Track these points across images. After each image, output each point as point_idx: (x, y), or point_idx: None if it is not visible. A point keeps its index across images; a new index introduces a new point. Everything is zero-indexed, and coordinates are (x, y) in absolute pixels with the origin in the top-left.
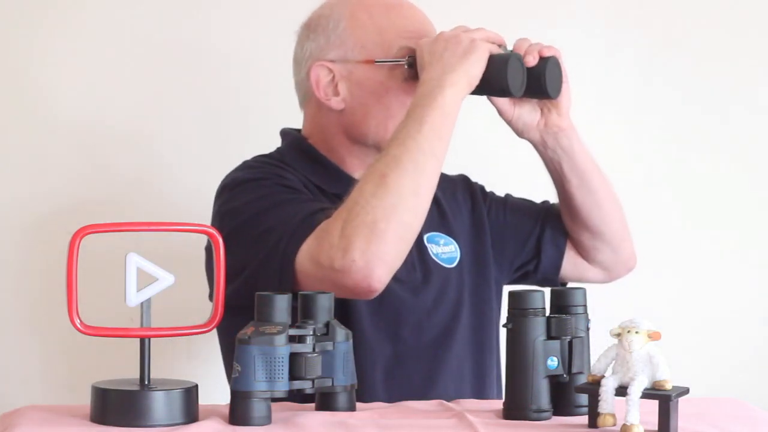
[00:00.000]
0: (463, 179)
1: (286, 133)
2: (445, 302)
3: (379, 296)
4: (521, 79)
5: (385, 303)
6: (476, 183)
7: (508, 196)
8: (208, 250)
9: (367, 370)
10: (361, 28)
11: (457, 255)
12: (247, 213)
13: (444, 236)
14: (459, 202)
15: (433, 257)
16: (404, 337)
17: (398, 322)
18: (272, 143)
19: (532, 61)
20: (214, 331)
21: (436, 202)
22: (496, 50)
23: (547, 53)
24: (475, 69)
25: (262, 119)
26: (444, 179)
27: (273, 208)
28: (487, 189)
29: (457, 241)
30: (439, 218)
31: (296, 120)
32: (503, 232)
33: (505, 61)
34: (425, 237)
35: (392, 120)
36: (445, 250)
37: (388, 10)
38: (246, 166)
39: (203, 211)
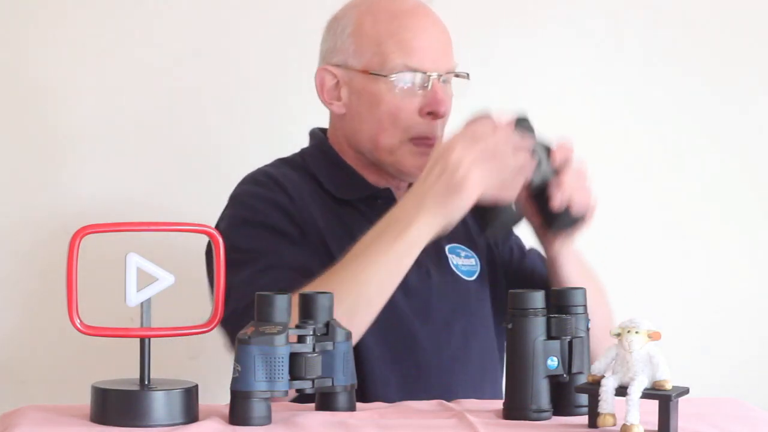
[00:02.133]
0: None
1: (312, 134)
2: (464, 314)
3: (390, 326)
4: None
5: (396, 332)
6: None
7: (532, 250)
8: (209, 253)
9: (381, 388)
10: (362, 36)
11: (477, 269)
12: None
13: (465, 249)
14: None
15: (453, 268)
16: (419, 357)
17: (412, 347)
18: (273, 145)
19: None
20: (215, 331)
21: None
22: (499, 174)
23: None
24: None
25: (262, 121)
26: None
27: (243, 265)
28: None
29: (477, 255)
30: (462, 230)
31: (298, 121)
32: (513, 278)
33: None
34: (447, 247)
35: (383, 134)
36: (466, 262)
37: (393, 19)
38: (254, 180)
39: (203, 212)
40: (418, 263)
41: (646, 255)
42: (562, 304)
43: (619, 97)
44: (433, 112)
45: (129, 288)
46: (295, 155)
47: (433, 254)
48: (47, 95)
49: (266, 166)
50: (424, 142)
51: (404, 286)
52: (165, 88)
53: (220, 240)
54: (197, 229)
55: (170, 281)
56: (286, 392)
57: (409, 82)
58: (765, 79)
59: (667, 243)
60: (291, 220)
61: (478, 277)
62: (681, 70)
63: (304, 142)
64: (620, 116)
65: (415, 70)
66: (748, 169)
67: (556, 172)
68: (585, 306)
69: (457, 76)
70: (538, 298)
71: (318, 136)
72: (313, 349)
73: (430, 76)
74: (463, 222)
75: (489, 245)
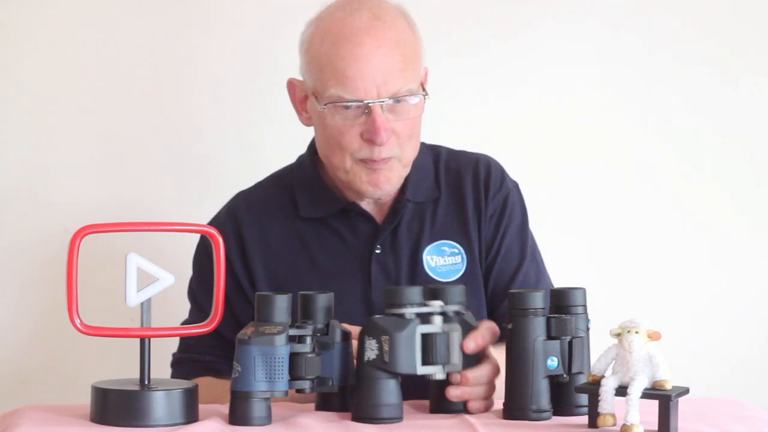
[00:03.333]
0: (486, 171)
1: (310, 144)
2: None
3: None
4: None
5: None
6: (508, 199)
7: (502, 256)
8: (197, 254)
9: None
10: (310, 57)
11: (463, 267)
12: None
13: (453, 245)
14: (464, 189)
15: (428, 272)
16: None
17: None
18: (270, 147)
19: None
20: None
21: (448, 200)
22: None
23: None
24: None
25: (261, 122)
26: (453, 157)
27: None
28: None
29: (466, 251)
30: (456, 222)
31: (292, 123)
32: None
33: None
34: (427, 248)
35: (333, 155)
36: (449, 261)
37: (334, 44)
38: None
39: (203, 211)
40: (387, 274)
41: (647, 255)
42: (562, 304)
43: (619, 96)
44: (370, 140)
45: (129, 288)
46: (291, 166)
47: (407, 259)
48: (47, 96)
49: (245, 191)
50: (371, 164)
51: (367, 302)
52: (163, 90)
53: (220, 240)
54: (197, 229)
55: (170, 281)
56: (286, 392)
57: (346, 110)
58: None
59: (667, 243)
60: (240, 272)
61: (462, 276)
62: (681, 66)
63: (294, 144)
64: (621, 114)
65: (349, 100)
66: (749, 170)
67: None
68: (585, 306)
69: (396, 101)
70: (538, 298)
71: (311, 147)
72: (313, 349)
73: (367, 103)
74: (460, 212)
75: (481, 235)
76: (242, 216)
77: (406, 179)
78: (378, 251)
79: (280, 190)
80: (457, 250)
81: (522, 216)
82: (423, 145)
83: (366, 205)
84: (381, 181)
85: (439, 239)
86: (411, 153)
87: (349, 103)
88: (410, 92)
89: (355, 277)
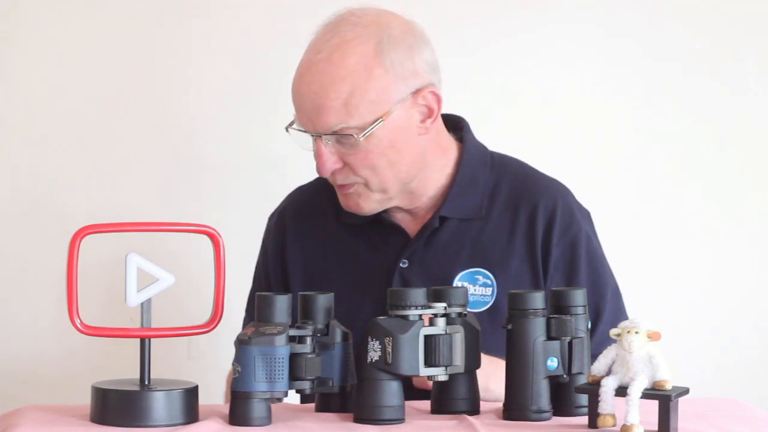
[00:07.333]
0: (551, 209)
1: None
2: None
3: None
4: None
5: None
6: (576, 247)
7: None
8: None
9: None
10: None
11: (492, 299)
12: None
13: (486, 275)
14: (517, 220)
15: None
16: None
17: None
18: (271, 147)
19: None
20: (215, 331)
21: (499, 225)
22: None
23: None
24: None
25: (261, 122)
26: (521, 180)
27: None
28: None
29: (498, 282)
30: (496, 250)
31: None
32: None
33: None
34: (459, 275)
35: None
36: (480, 291)
37: (295, 72)
38: (270, 218)
39: (203, 212)
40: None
41: (646, 255)
42: (562, 304)
43: (617, 97)
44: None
45: (129, 288)
46: None
47: (437, 279)
48: (49, 93)
49: (301, 188)
50: (337, 188)
51: (382, 314)
52: (163, 91)
53: (220, 240)
54: (197, 229)
55: (170, 281)
56: (286, 393)
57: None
58: (765, 76)
59: (667, 243)
60: (271, 265)
61: (491, 307)
62: (680, 69)
63: (294, 145)
64: (619, 116)
65: (299, 129)
66: (747, 172)
67: None
68: (585, 306)
69: (337, 137)
70: (537, 299)
71: None
72: (313, 349)
73: (311, 134)
74: (507, 243)
75: (537, 271)
76: (289, 219)
77: (446, 194)
78: (403, 265)
79: (328, 192)
80: (489, 281)
81: (594, 260)
82: (491, 157)
83: (398, 217)
84: (350, 205)
85: (475, 266)
86: (381, 181)
87: (302, 131)
88: (347, 130)
89: (377, 287)
